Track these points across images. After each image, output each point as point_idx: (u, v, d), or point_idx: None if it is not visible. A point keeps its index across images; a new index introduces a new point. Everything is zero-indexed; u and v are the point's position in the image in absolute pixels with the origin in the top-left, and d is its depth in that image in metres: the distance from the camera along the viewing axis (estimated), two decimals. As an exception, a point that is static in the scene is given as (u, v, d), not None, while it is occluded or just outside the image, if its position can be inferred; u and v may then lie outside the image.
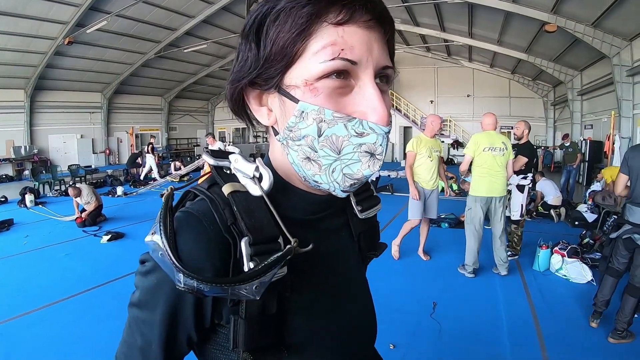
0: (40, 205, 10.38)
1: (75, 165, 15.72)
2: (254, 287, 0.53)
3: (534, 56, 16.14)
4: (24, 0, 12.18)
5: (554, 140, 20.69)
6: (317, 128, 0.57)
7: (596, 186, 8.57)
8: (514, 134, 5.46)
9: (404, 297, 4.40)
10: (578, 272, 4.77)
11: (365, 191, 0.82)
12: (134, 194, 12.19)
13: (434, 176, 5.19)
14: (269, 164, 0.69)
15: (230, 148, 12.04)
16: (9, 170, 17.27)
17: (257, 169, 0.62)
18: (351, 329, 0.76)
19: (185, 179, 13.95)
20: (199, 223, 0.59)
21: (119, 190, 11.84)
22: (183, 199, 0.67)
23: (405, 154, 5.30)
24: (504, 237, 4.86)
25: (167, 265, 0.52)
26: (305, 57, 0.56)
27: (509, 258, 5.01)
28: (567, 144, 11.11)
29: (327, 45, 0.55)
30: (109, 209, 9.13)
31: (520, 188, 5.31)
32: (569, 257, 4.92)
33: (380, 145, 0.58)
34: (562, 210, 7.93)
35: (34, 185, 12.27)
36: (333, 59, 0.55)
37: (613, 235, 3.48)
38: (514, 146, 5.07)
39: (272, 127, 0.65)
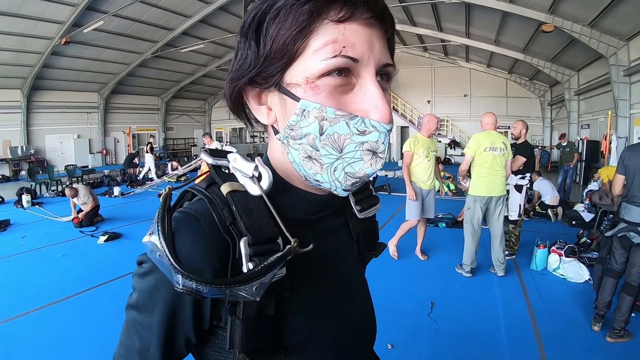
0: (37, 206, 10.35)
1: (72, 165, 15.70)
2: (254, 288, 0.53)
3: (531, 56, 16.16)
4: (20, -1, 12.14)
5: (550, 140, 20.71)
6: (319, 126, 0.56)
7: (593, 186, 8.58)
8: (512, 133, 5.44)
9: (401, 297, 4.40)
10: (575, 271, 4.78)
11: (365, 191, 0.82)
12: (131, 194, 12.17)
13: (431, 176, 5.19)
14: (267, 164, 0.69)
15: (227, 148, 11.99)
16: (5, 171, 17.19)
17: (256, 168, 0.61)
18: (351, 329, 0.76)
19: (183, 179, 13.95)
20: (197, 223, 0.58)
21: (116, 190, 11.83)
22: (181, 199, 0.66)
23: (402, 154, 5.28)
24: (503, 239, 4.85)
25: (165, 266, 0.52)
26: (306, 55, 0.56)
27: (507, 257, 5.01)
28: (564, 144, 11.14)
29: (328, 42, 0.54)
30: (106, 209, 9.10)
31: (519, 188, 5.31)
32: (566, 256, 4.95)
33: (383, 143, 0.57)
34: (560, 210, 7.96)
35: (31, 185, 12.25)
36: (334, 57, 0.54)
37: (608, 234, 3.49)
38: (511, 146, 5.07)
39: (271, 126, 0.65)
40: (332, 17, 0.54)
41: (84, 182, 13.42)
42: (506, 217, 5.37)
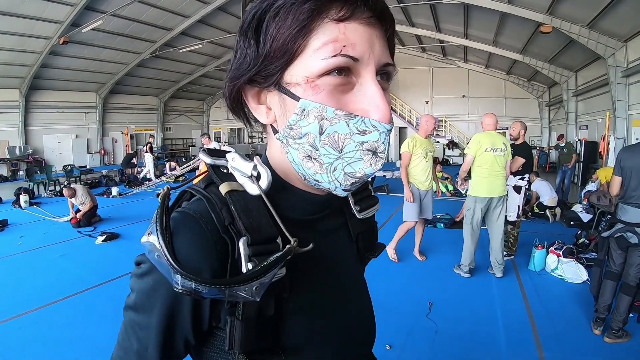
0: (34, 206, 10.33)
1: (70, 165, 15.67)
2: (253, 289, 0.52)
3: (529, 57, 16.19)
4: (19, -1, 12.12)
5: (549, 140, 20.77)
6: (319, 126, 0.56)
7: (591, 186, 8.60)
8: (510, 134, 5.44)
9: (400, 297, 4.40)
10: (573, 271, 4.79)
11: (364, 191, 0.82)
12: (129, 194, 12.15)
13: (429, 177, 5.18)
14: (266, 163, 0.68)
15: (225, 148, 12.00)
16: (3, 171, 17.16)
17: (255, 167, 0.61)
18: (350, 330, 0.76)
19: (181, 179, 13.94)
20: (195, 223, 0.58)
21: (114, 190, 11.81)
22: (179, 199, 0.66)
23: (400, 155, 5.26)
24: (502, 239, 4.85)
25: (164, 266, 0.51)
26: (306, 54, 0.55)
27: (505, 258, 5.01)
28: (562, 145, 11.16)
29: (328, 41, 0.54)
30: (104, 209, 9.10)
31: (517, 189, 5.31)
32: (564, 257, 4.95)
33: (383, 143, 0.57)
34: (558, 211, 7.97)
35: (29, 185, 12.24)
36: (335, 56, 0.54)
37: (605, 234, 3.50)
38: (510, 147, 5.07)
39: (270, 125, 0.64)
40: (333, 16, 0.54)
41: (82, 182, 13.41)
42: (505, 218, 5.38)
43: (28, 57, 15.64)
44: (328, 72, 0.55)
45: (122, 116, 23.57)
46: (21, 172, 16.74)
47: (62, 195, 9.48)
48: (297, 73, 0.56)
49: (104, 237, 6.79)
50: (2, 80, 16.63)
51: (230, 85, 0.63)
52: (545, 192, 8.12)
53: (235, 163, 0.63)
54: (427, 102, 24.19)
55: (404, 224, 5.32)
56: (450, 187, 10.97)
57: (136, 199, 11.45)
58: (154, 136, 20.66)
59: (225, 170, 0.65)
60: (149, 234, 0.54)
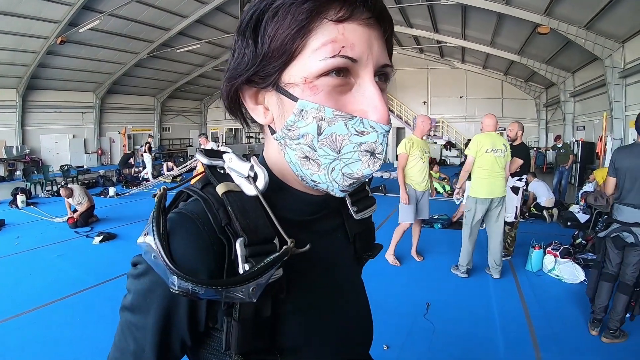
0: (31, 206, 10.29)
1: (67, 165, 15.61)
2: (250, 289, 0.52)
3: (526, 58, 16.24)
4: (16, -2, 12.10)
5: (546, 141, 20.83)
6: (317, 126, 0.56)
7: (588, 187, 8.62)
8: (507, 135, 5.45)
9: (397, 298, 4.40)
10: (571, 272, 4.79)
11: (361, 192, 0.81)
12: (126, 194, 12.12)
13: (425, 177, 5.17)
14: (263, 164, 0.68)
15: (223, 148, 11.99)
16: (0, 171, 17.13)
17: (251, 168, 0.61)
18: (348, 331, 0.75)
19: (178, 179, 13.94)
20: (192, 224, 0.58)
21: (111, 190, 11.78)
22: (176, 199, 0.66)
23: (397, 156, 5.24)
24: (502, 240, 4.85)
25: (161, 267, 0.51)
26: (305, 55, 0.55)
27: (502, 259, 5.01)
28: (560, 145, 11.18)
29: (327, 42, 0.54)
30: (101, 209, 9.07)
31: (515, 190, 5.31)
32: (561, 257, 4.96)
33: (381, 144, 0.57)
34: (555, 211, 7.99)
35: (26, 185, 12.17)
36: (333, 57, 0.54)
37: (602, 234, 3.51)
38: (508, 147, 5.08)
39: (268, 126, 0.64)
40: (332, 17, 0.54)
41: (79, 182, 13.37)
42: (502, 219, 5.39)
43: (25, 57, 15.61)
44: (326, 73, 0.55)
45: (119, 116, 23.53)
46: (18, 172, 16.71)
47: (59, 195, 9.43)
48: (295, 73, 0.56)
49: (101, 237, 6.77)
50: (0, 80, 16.60)
51: (228, 85, 0.62)
52: (543, 192, 8.13)
53: (232, 164, 0.63)
54: (424, 102, 24.24)
55: (399, 226, 5.30)
56: (448, 188, 10.98)
57: (133, 199, 11.42)
58: (152, 136, 20.63)
59: (222, 171, 0.64)
60: (145, 234, 0.54)
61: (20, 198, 10.32)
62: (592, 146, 13.11)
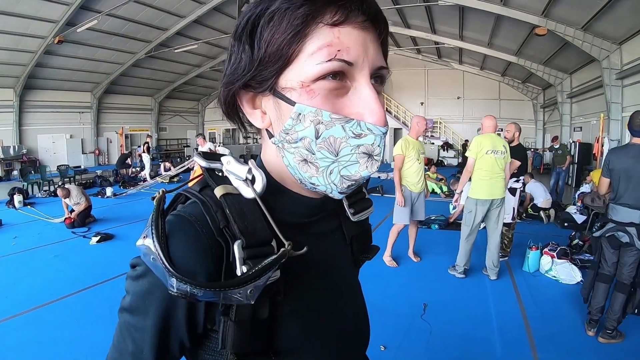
0: (29, 206, 10.28)
1: (65, 165, 15.58)
2: (248, 291, 0.52)
3: (524, 59, 16.27)
4: (13, -2, 12.07)
5: (543, 142, 20.84)
6: (315, 130, 0.56)
7: (585, 188, 8.62)
8: (505, 136, 5.45)
9: (394, 298, 4.41)
10: (567, 273, 4.81)
11: (358, 194, 0.82)
12: (124, 194, 12.11)
13: (421, 179, 5.17)
14: (261, 166, 0.69)
15: (220, 149, 12.00)
16: (-3, 171, 17.12)
17: (249, 171, 0.61)
18: (345, 332, 0.76)
19: (175, 179, 13.94)
20: (191, 226, 0.58)
21: (109, 191, 11.77)
22: (174, 201, 0.66)
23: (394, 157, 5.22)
24: (500, 242, 4.86)
25: (160, 269, 0.51)
26: (301, 59, 0.56)
27: (499, 259, 5.02)
28: (557, 146, 11.21)
29: (323, 46, 0.54)
30: (99, 209, 9.04)
31: (512, 191, 5.32)
32: (558, 258, 4.97)
33: (378, 146, 0.57)
34: (552, 212, 8.00)
35: (23, 185, 12.14)
36: (329, 60, 0.54)
37: (597, 234, 3.53)
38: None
39: (265, 129, 0.65)
40: (327, 21, 0.54)
41: (77, 183, 13.33)
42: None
43: (23, 57, 15.58)
44: (323, 77, 0.55)
45: (116, 116, 23.50)
46: (15, 172, 16.64)
47: (56, 195, 9.43)
48: (292, 78, 0.56)
49: (99, 237, 6.76)
50: (-3, 80, 16.58)
51: (225, 90, 0.63)
52: (540, 193, 8.14)
53: (230, 166, 0.63)
54: (422, 103, 24.24)
55: (394, 227, 5.29)
56: (445, 189, 10.98)
57: (131, 199, 11.41)
58: (151, 136, 20.59)
59: (220, 174, 0.65)
60: (144, 237, 0.54)
61: (18, 198, 10.31)
62: (589, 147, 13.11)
